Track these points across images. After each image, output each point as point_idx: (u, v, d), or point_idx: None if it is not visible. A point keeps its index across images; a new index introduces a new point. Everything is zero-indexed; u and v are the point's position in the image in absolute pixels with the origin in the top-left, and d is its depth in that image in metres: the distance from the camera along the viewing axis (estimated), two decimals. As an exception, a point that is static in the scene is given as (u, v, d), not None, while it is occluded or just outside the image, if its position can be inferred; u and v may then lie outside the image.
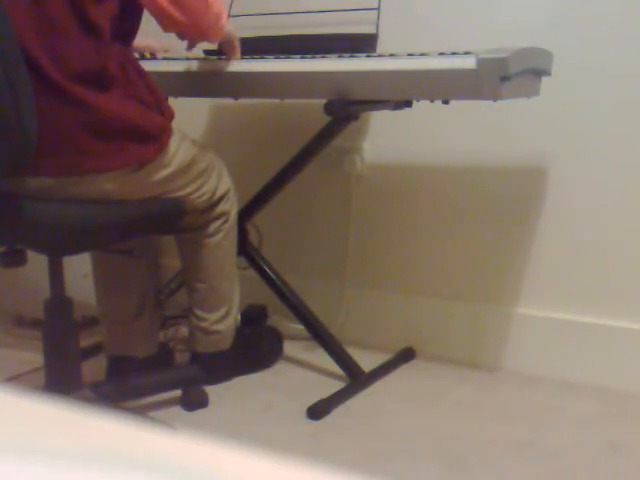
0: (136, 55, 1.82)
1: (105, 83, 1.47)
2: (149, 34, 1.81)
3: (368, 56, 1.67)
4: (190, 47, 1.75)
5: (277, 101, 2.10)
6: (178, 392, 1.81)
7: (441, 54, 1.56)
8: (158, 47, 1.98)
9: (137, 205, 1.58)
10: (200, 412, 1.77)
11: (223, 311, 1.86)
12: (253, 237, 2.09)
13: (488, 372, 2.01)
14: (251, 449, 0.31)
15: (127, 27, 1.58)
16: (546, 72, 1.70)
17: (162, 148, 1.57)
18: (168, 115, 1.61)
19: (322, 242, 2.30)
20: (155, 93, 1.58)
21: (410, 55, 1.61)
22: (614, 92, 1.82)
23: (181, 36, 1.66)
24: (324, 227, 2.29)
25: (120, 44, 1.54)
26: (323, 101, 1.67)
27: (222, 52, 1.82)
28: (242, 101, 2.17)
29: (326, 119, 1.80)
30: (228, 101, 2.20)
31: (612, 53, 1.81)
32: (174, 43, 1.89)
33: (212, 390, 1.84)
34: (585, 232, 1.90)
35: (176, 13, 1.53)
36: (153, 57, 1.95)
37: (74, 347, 1.58)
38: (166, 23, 1.56)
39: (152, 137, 1.55)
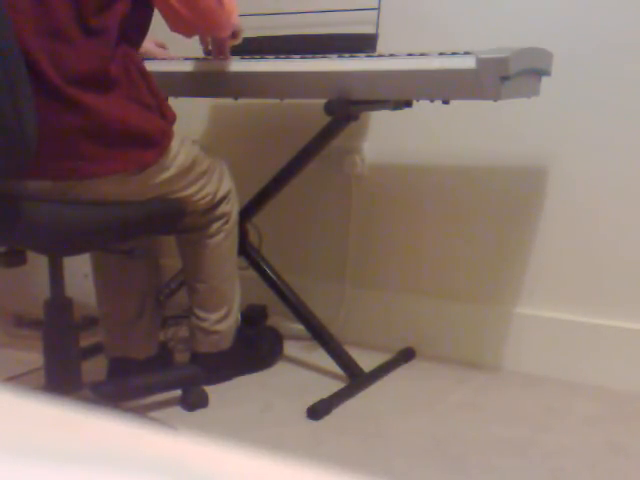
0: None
1: (107, 86, 1.46)
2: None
3: (368, 56, 1.67)
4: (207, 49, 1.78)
5: (277, 101, 2.10)
6: (178, 392, 1.81)
7: (441, 54, 1.56)
8: (157, 52, 1.96)
9: (138, 206, 1.58)
10: (200, 412, 1.77)
11: (223, 311, 1.87)
12: (253, 237, 2.09)
13: (488, 372, 2.01)
14: (251, 449, 0.31)
15: (137, 28, 1.57)
16: (546, 72, 1.70)
17: (163, 152, 1.57)
18: (170, 118, 1.60)
19: (322, 242, 2.30)
20: (157, 95, 1.57)
21: (410, 55, 1.61)
22: (614, 92, 1.82)
23: (188, 35, 1.64)
24: (324, 227, 2.29)
25: (127, 45, 1.52)
26: (323, 101, 1.67)
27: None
28: (242, 101, 2.17)
29: (326, 119, 1.80)
30: (228, 101, 2.20)
31: (612, 53, 1.81)
32: (170, 43, 1.90)
33: (212, 390, 1.84)
34: (585, 232, 1.90)
35: (186, 12, 1.51)
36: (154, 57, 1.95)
37: (74, 347, 1.57)
38: (176, 23, 1.55)
39: (153, 141, 1.53)
